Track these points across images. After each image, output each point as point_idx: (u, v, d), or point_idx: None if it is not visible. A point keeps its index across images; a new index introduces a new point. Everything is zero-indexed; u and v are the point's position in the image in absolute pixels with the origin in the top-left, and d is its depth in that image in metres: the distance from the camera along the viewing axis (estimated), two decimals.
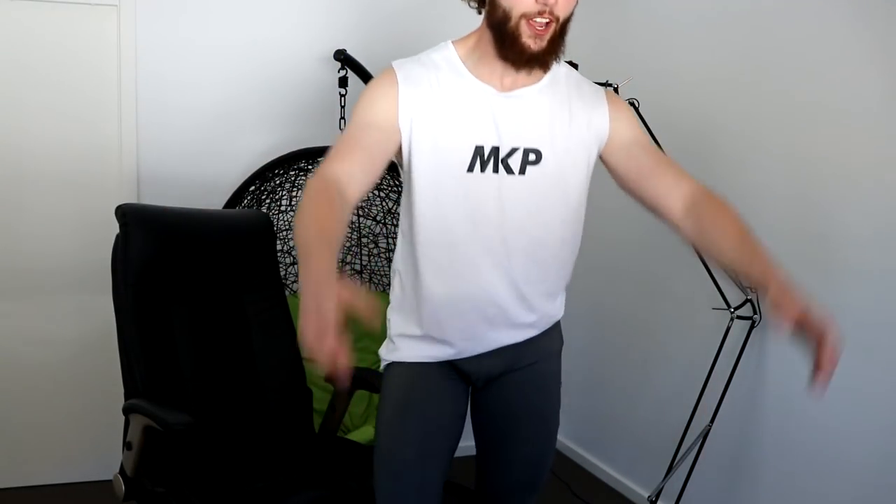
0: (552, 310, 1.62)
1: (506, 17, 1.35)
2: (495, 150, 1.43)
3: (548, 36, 1.36)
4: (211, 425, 2.01)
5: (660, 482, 2.38)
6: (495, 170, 1.43)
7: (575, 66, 2.51)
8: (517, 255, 1.48)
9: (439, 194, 1.43)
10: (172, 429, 1.73)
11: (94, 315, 2.86)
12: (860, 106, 1.99)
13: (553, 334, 1.66)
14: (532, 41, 1.35)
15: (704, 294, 2.52)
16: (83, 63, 2.84)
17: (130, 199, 2.85)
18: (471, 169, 1.43)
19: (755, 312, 2.28)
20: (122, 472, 1.89)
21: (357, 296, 1.10)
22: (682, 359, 2.69)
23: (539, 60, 1.38)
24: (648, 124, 2.35)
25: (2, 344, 2.87)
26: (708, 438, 2.37)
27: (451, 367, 1.56)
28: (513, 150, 1.44)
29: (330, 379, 1.44)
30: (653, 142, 1.55)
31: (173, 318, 2.03)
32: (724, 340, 2.32)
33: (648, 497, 2.39)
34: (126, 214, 2.00)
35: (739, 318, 2.29)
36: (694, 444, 2.36)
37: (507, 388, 1.60)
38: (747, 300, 2.27)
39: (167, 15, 2.88)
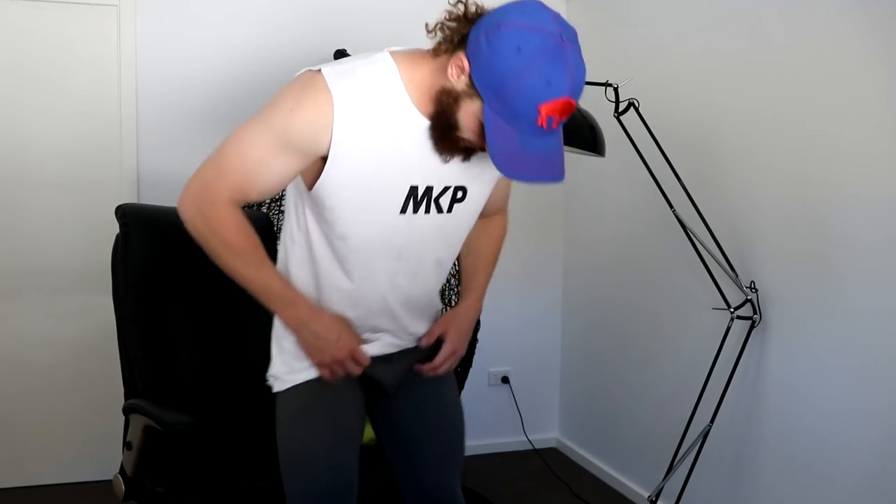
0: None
1: (454, 126, 1.28)
2: (429, 191, 1.38)
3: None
4: (211, 425, 2.01)
5: (660, 482, 2.38)
6: (427, 210, 1.40)
7: None
8: (421, 276, 1.50)
9: (364, 233, 1.38)
10: (172, 429, 1.73)
11: (94, 315, 2.86)
12: (861, 105, 1.99)
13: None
14: (467, 143, 1.32)
15: (704, 294, 2.52)
16: (83, 63, 2.84)
17: (130, 199, 2.85)
18: (403, 210, 1.38)
19: (755, 312, 2.28)
20: (121, 472, 1.89)
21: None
22: (682, 359, 2.69)
23: (467, 154, 1.35)
24: (648, 124, 2.35)
25: (2, 344, 2.87)
26: (708, 438, 2.37)
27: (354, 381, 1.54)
28: (445, 189, 1.40)
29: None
30: None
31: (173, 318, 2.03)
32: (724, 340, 2.32)
33: (648, 497, 2.39)
34: (126, 214, 2.00)
35: (739, 318, 2.29)
36: (694, 443, 2.36)
37: (414, 395, 1.61)
38: (747, 300, 2.27)
39: (167, 15, 2.88)
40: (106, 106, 2.88)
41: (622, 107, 2.35)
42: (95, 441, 2.92)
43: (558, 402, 3.56)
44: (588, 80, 2.56)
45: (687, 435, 2.40)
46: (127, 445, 1.87)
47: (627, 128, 2.35)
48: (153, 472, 1.88)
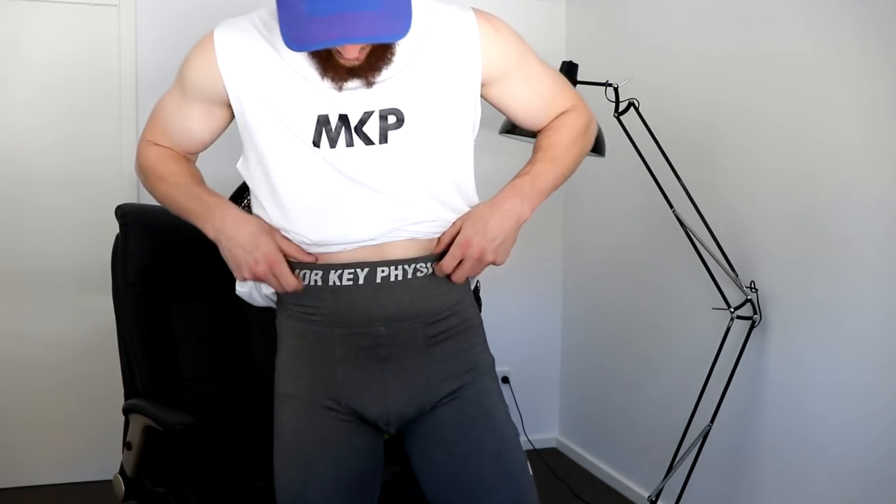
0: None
1: None
2: (344, 120, 1.22)
3: (363, 55, 1.17)
4: (211, 425, 2.01)
5: (660, 482, 2.38)
6: (349, 142, 1.23)
7: (575, 66, 2.52)
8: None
9: (288, 179, 1.27)
10: (172, 429, 1.73)
11: (93, 315, 2.86)
12: (861, 104, 1.99)
13: (473, 344, 1.38)
14: (345, 61, 1.17)
15: (704, 294, 2.52)
16: (83, 63, 2.84)
17: (130, 199, 2.85)
18: (317, 143, 1.23)
19: (755, 312, 2.28)
20: (121, 472, 1.89)
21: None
22: (682, 359, 2.69)
23: (361, 73, 1.19)
24: (648, 124, 2.35)
25: (1, 344, 2.87)
26: (708, 438, 2.37)
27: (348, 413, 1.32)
28: (367, 116, 1.23)
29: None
30: (537, 62, 1.39)
31: (173, 318, 2.03)
32: (724, 340, 2.32)
33: (648, 497, 2.39)
34: (126, 214, 2.00)
35: (739, 318, 2.29)
36: (694, 444, 2.36)
37: (438, 433, 1.33)
38: (747, 300, 2.27)
39: (167, 15, 2.88)
40: (106, 106, 2.88)
41: (622, 107, 2.35)
42: (95, 441, 2.92)
43: (558, 402, 3.56)
44: (588, 80, 2.58)
45: (687, 435, 2.40)
46: (127, 445, 1.87)
47: (627, 128, 2.35)
48: (153, 472, 1.88)
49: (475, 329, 1.39)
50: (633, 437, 2.99)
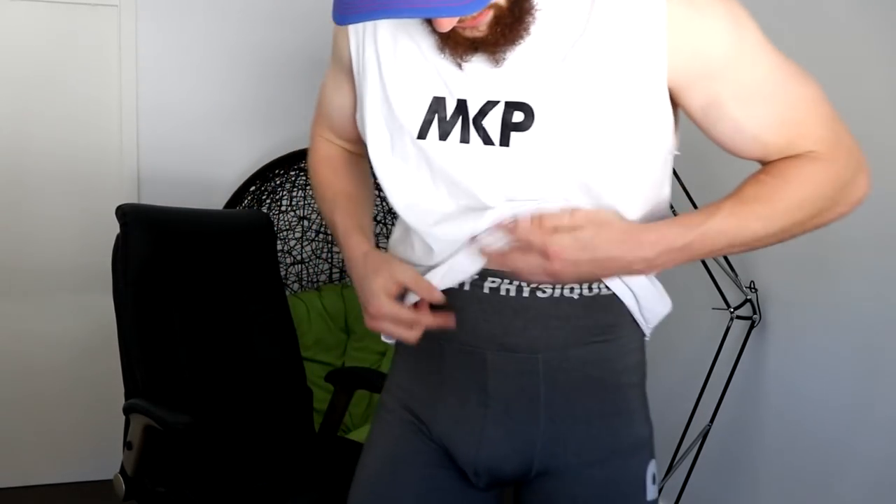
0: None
1: None
2: (462, 107, 0.96)
3: (483, 23, 0.89)
4: (211, 425, 2.01)
5: (659, 482, 2.38)
6: (464, 137, 0.96)
7: None
8: None
9: (389, 172, 1.03)
10: (173, 428, 1.73)
11: (94, 315, 2.86)
12: (860, 103, 1.99)
13: (622, 409, 1.07)
14: (461, 28, 0.90)
15: (704, 294, 2.52)
16: (83, 63, 2.84)
17: (131, 199, 2.85)
18: (422, 135, 0.98)
19: (755, 312, 2.28)
20: (122, 471, 1.90)
21: (405, 273, 1.01)
22: (682, 359, 2.70)
23: (485, 47, 0.91)
24: None
25: (2, 343, 2.87)
26: (707, 438, 2.38)
27: (442, 454, 1.07)
28: (488, 106, 0.95)
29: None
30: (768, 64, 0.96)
31: (173, 318, 2.03)
32: (723, 340, 2.32)
33: None
34: (126, 214, 2.00)
35: (739, 318, 2.29)
36: (694, 443, 2.36)
37: None
38: (747, 300, 2.27)
39: (167, 15, 2.88)
40: (106, 106, 2.88)
41: None
42: (96, 440, 2.92)
43: None
44: None
45: (686, 435, 2.40)
46: (127, 445, 1.88)
47: None
48: (153, 471, 1.88)
49: (631, 389, 1.08)
50: None
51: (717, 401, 2.34)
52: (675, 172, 2.31)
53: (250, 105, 2.97)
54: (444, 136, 0.97)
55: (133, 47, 2.86)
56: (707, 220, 0.94)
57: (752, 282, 2.30)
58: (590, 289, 1.00)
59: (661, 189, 1.02)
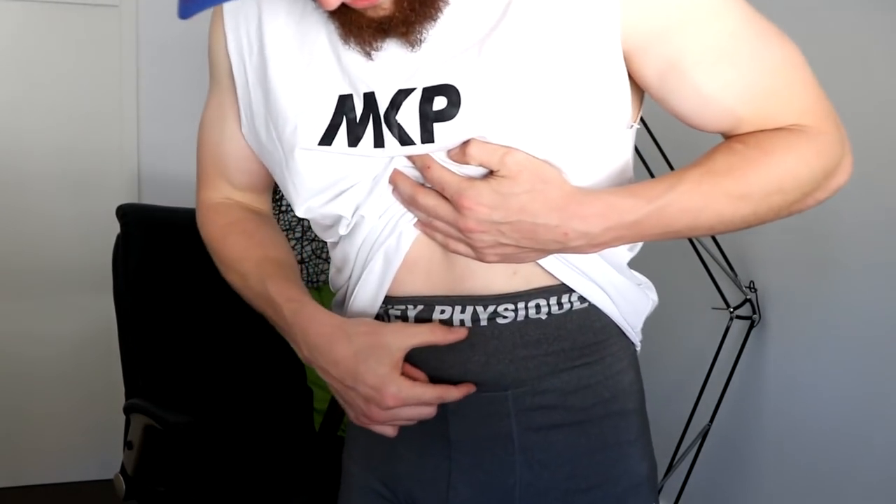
0: None
1: None
2: (370, 101, 0.77)
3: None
4: (211, 425, 2.01)
5: (659, 481, 2.38)
6: (377, 140, 0.77)
7: None
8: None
9: (302, 188, 0.83)
10: (173, 428, 1.73)
11: (94, 314, 2.86)
12: (861, 105, 2.00)
13: (614, 441, 0.87)
14: (365, 12, 0.72)
15: (703, 294, 2.52)
16: (84, 63, 2.84)
17: (131, 199, 2.86)
18: (327, 140, 0.79)
19: (754, 312, 2.28)
20: (122, 471, 1.90)
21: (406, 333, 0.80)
22: (682, 358, 2.70)
23: (396, 28, 0.73)
24: (648, 125, 2.36)
25: (3, 343, 2.87)
26: (707, 437, 2.38)
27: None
28: (401, 95, 0.76)
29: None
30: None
31: (174, 318, 2.04)
32: (723, 340, 2.32)
33: None
34: (127, 214, 2.00)
35: (738, 317, 2.29)
36: (693, 443, 2.36)
37: None
38: (746, 300, 2.27)
39: (168, 15, 2.88)
40: (107, 106, 2.88)
41: None
42: (96, 440, 2.93)
43: None
44: None
45: (686, 434, 2.40)
46: (128, 445, 1.88)
47: None
48: (154, 471, 1.89)
49: (624, 419, 0.88)
50: None
51: (716, 400, 2.34)
52: (667, 160, 2.32)
53: None
54: (354, 141, 0.78)
55: (133, 47, 2.86)
56: (667, 191, 0.76)
57: (751, 281, 2.31)
58: (559, 304, 0.81)
59: (619, 170, 0.83)
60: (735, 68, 0.77)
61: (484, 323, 0.81)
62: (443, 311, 0.81)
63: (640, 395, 0.92)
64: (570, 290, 0.82)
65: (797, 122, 0.77)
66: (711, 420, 2.35)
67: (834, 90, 2.17)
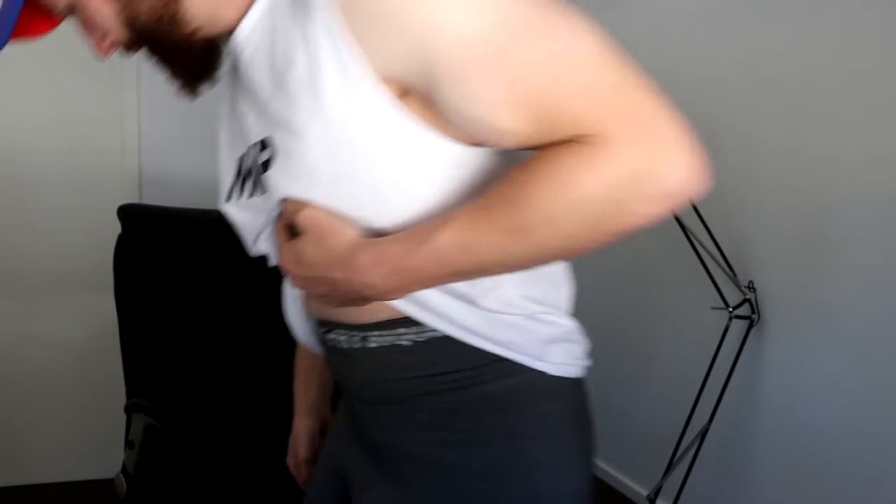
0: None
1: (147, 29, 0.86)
2: (243, 158, 0.88)
3: (107, 50, 0.89)
4: (212, 424, 2.02)
5: (658, 480, 2.39)
6: (244, 190, 0.89)
7: None
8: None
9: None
10: (174, 427, 1.74)
11: (95, 314, 2.87)
12: (861, 104, 2.00)
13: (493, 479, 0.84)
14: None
15: (703, 293, 2.52)
16: (84, 64, 2.85)
17: (132, 199, 2.86)
18: (228, 196, 0.91)
19: (753, 312, 2.28)
20: (123, 470, 1.90)
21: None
22: (681, 358, 2.70)
23: (177, 85, 0.87)
24: None
25: (3, 343, 2.88)
26: (706, 437, 2.38)
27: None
28: (248, 154, 0.86)
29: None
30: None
31: (175, 318, 2.04)
32: (722, 340, 2.33)
33: (647, 495, 2.40)
34: (127, 215, 2.01)
35: (738, 317, 2.29)
36: (693, 442, 2.36)
37: None
38: (746, 300, 2.28)
39: None
40: (108, 106, 2.89)
41: None
42: (97, 439, 2.93)
43: None
44: None
45: (685, 434, 2.41)
46: (128, 444, 1.88)
47: None
48: (155, 470, 1.89)
49: (525, 442, 0.84)
50: (632, 435, 3.00)
51: (715, 400, 2.35)
52: None
53: None
54: (241, 195, 0.89)
55: None
56: (437, 230, 0.71)
57: (750, 281, 2.31)
58: (421, 333, 0.83)
59: (476, 188, 0.77)
60: (486, 78, 0.67)
61: (357, 346, 0.88)
62: (335, 333, 0.91)
63: (551, 421, 0.86)
64: (371, 301, 0.81)
65: (578, 131, 0.66)
66: (710, 419, 2.35)
67: (834, 90, 2.19)
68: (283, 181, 0.78)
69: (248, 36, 0.78)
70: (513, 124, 0.68)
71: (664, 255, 2.77)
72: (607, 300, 3.17)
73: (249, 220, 0.88)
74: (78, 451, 2.97)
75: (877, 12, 1.94)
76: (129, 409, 1.89)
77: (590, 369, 1.03)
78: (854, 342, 2.02)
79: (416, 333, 0.84)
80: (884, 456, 1.94)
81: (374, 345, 0.86)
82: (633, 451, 2.99)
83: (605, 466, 3.18)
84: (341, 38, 0.69)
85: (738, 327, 2.34)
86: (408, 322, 0.83)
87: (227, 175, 0.90)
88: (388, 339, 0.85)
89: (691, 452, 2.39)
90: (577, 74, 0.66)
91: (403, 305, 0.82)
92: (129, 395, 1.96)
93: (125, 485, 1.88)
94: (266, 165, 0.79)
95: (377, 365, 0.87)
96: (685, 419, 2.41)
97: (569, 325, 0.94)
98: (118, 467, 1.95)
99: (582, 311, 3.58)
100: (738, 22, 2.40)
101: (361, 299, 0.78)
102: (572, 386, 0.90)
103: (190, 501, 1.83)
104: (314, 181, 0.76)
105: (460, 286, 0.80)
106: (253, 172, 0.83)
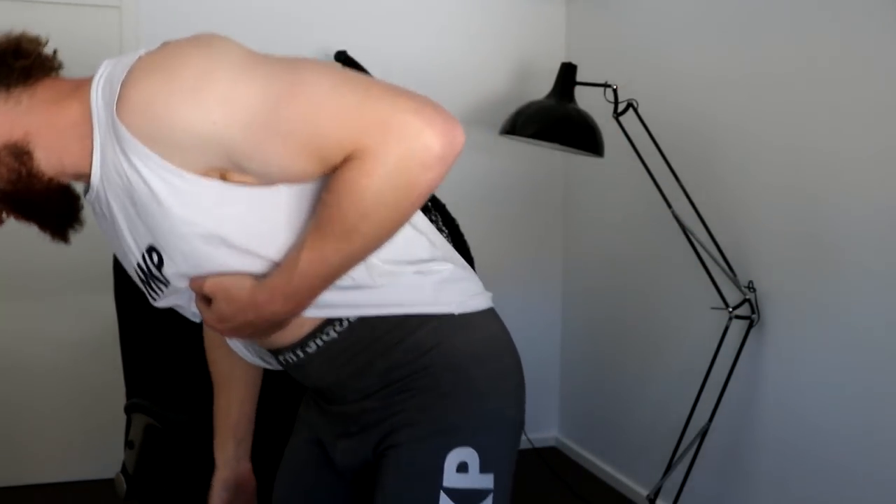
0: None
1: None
2: (139, 267, 1.08)
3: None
4: (212, 424, 2.02)
5: (658, 480, 2.39)
6: (155, 289, 1.09)
7: (574, 67, 2.53)
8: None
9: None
10: (174, 427, 1.74)
11: (95, 314, 2.87)
12: (860, 104, 2.00)
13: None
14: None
15: (703, 294, 2.52)
16: (85, 64, 2.84)
17: None
18: (152, 299, 1.14)
19: (753, 312, 2.29)
20: (123, 470, 1.90)
21: None
22: (681, 358, 2.70)
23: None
24: (647, 125, 2.37)
25: (4, 343, 2.88)
26: (706, 437, 2.38)
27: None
28: (144, 260, 1.04)
29: None
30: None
31: (175, 317, 2.04)
32: (722, 340, 2.33)
33: (647, 495, 2.40)
34: None
35: (737, 317, 2.30)
36: (692, 442, 2.37)
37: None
38: (745, 300, 2.28)
39: (169, 16, 2.89)
40: None
41: (621, 107, 2.36)
42: (97, 439, 2.93)
43: (558, 401, 3.57)
44: (587, 80, 2.59)
45: (685, 434, 2.41)
46: (128, 444, 1.88)
47: (626, 128, 2.37)
48: (155, 470, 1.89)
49: (444, 372, 1.08)
50: (633, 435, 3.00)
51: (715, 400, 2.35)
52: (673, 173, 2.32)
53: None
54: (157, 293, 1.11)
55: (135, 49, 2.87)
56: (297, 255, 0.94)
57: (750, 281, 2.31)
58: (341, 324, 1.06)
59: (297, 214, 0.98)
60: (265, 147, 0.89)
61: (303, 356, 1.10)
62: (283, 355, 1.13)
63: (472, 355, 1.08)
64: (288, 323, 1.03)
65: (348, 152, 0.87)
66: (710, 419, 2.36)
67: (834, 90, 2.19)
68: (179, 270, 0.99)
69: (101, 175, 0.97)
70: (303, 166, 0.90)
71: (664, 255, 2.77)
72: (608, 300, 3.17)
73: (176, 302, 1.09)
74: (77, 452, 2.97)
75: (876, 12, 1.94)
76: (129, 409, 1.89)
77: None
78: (854, 342, 2.02)
79: (338, 326, 1.06)
80: (884, 456, 1.94)
81: (312, 349, 1.09)
82: (633, 451, 2.99)
83: (605, 466, 3.18)
84: (154, 161, 0.91)
85: (737, 327, 2.35)
86: (327, 322, 1.06)
87: (138, 283, 1.09)
88: (320, 340, 1.07)
89: (691, 452, 2.39)
90: (326, 113, 0.87)
91: (313, 313, 1.03)
92: (128, 395, 1.96)
93: (125, 485, 1.88)
94: (160, 265, 1.00)
95: (324, 361, 1.09)
96: (685, 419, 2.42)
97: (447, 267, 1.10)
98: (118, 467, 1.95)
99: (582, 311, 3.61)
100: (737, 22, 2.40)
101: (277, 325, 1.01)
102: (482, 317, 1.11)
103: (190, 501, 1.83)
104: (200, 262, 0.97)
105: (343, 280, 0.99)
106: (153, 273, 1.03)
